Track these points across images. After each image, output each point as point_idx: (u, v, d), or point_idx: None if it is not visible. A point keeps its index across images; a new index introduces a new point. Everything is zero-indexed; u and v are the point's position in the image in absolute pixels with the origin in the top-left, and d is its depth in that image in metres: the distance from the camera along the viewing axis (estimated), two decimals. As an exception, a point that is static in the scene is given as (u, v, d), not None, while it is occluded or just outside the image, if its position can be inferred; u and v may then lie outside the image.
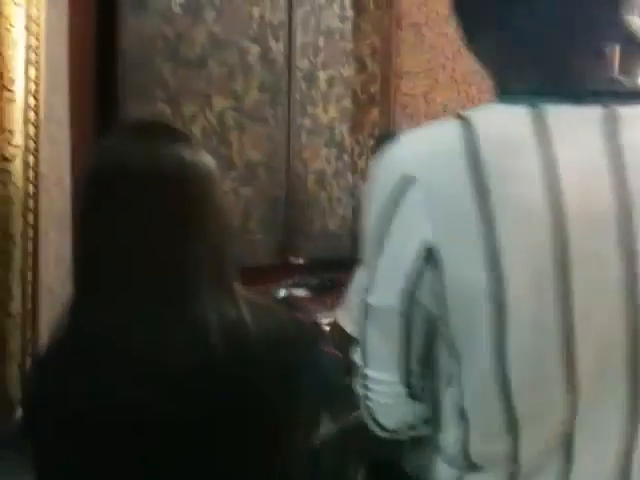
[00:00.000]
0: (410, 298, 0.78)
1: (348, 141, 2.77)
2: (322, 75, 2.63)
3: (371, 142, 2.84)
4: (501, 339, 0.73)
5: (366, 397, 0.88)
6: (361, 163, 2.84)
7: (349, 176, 2.80)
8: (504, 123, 0.76)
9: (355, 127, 2.82)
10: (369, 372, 0.87)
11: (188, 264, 0.87)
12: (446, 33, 3.11)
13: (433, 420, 0.86)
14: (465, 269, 0.73)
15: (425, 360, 0.85)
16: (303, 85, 2.55)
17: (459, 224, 0.73)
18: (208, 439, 0.86)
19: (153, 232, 0.86)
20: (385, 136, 2.56)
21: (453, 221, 0.74)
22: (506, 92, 0.81)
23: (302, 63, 2.53)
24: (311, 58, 2.57)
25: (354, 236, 2.85)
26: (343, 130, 2.75)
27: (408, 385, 0.86)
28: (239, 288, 0.92)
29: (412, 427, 0.89)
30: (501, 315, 0.72)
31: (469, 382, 0.77)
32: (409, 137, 0.81)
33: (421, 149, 0.78)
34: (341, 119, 2.73)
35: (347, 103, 2.77)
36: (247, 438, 0.88)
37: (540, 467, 0.77)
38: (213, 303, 0.88)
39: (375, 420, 0.89)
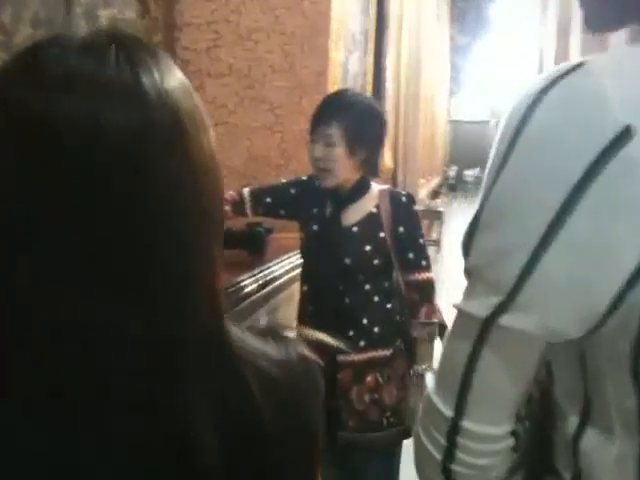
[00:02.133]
0: (605, 314, 0.53)
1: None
2: (103, 14, 2.13)
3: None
4: None
5: (451, 458, 0.60)
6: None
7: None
8: None
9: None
10: (468, 424, 0.59)
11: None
12: (231, -18, 2.79)
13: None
14: None
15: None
16: (83, 23, 2.04)
17: None
18: None
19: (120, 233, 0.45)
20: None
21: None
22: None
23: (81, -4, 2.01)
24: (92, -9, 2.06)
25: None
26: (128, 84, 2.28)
27: (514, 435, 0.61)
28: (233, 329, 0.54)
29: None
30: None
31: None
32: (596, 66, 0.54)
33: (634, 87, 0.52)
34: (125, 71, 2.26)
35: (131, 52, 2.30)
36: None
37: None
38: (206, 381, 0.49)
39: None
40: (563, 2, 8.53)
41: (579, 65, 0.54)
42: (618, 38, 0.62)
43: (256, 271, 2.14)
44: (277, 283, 2.28)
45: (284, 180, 2.12)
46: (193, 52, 2.78)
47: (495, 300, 0.56)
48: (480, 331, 0.57)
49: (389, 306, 1.91)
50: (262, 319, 2.27)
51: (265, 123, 2.91)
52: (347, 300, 1.88)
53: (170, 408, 0.47)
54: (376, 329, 1.89)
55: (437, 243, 10.34)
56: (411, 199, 1.95)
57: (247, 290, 2.01)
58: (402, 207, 1.91)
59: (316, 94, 2.72)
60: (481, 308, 0.57)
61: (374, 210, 1.91)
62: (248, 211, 2.08)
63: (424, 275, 1.91)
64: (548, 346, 0.58)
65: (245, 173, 2.91)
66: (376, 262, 1.87)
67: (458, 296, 0.61)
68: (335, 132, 1.85)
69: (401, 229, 1.88)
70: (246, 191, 2.08)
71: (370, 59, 4.26)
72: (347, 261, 1.87)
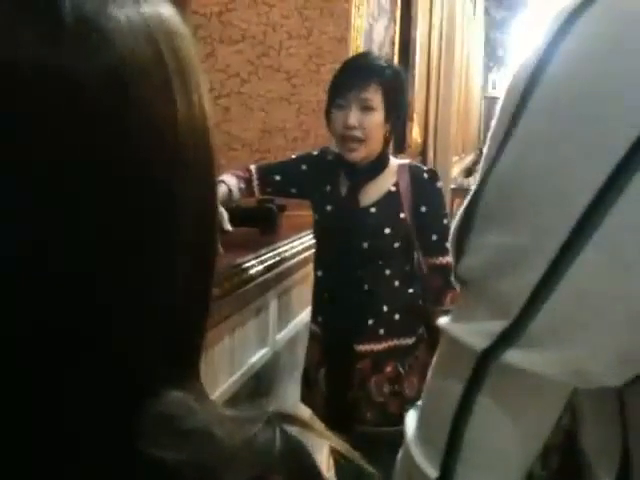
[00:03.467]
0: None
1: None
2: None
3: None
4: None
5: None
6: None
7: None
8: None
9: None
10: None
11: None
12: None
13: None
14: None
15: None
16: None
17: None
18: None
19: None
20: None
21: None
22: None
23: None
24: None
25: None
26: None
27: None
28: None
29: None
30: None
31: None
32: None
33: None
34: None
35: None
36: None
37: None
38: None
39: None
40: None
41: None
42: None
43: (263, 251, 1.99)
44: (288, 264, 2.12)
45: (294, 156, 1.96)
46: (203, 17, 2.61)
47: (497, 326, 0.38)
48: (475, 369, 0.40)
49: (411, 291, 1.77)
50: (272, 303, 2.12)
51: (281, 93, 2.74)
52: (366, 287, 1.74)
53: None
54: (397, 316, 1.74)
55: (470, 222, 10.11)
56: (434, 175, 1.78)
57: (252, 272, 1.86)
58: (424, 184, 1.74)
59: (336, 62, 2.53)
60: (476, 336, 0.40)
61: (393, 188, 1.74)
62: (256, 190, 1.92)
63: (449, 259, 1.73)
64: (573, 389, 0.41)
65: (259, 147, 2.74)
66: (396, 245, 1.72)
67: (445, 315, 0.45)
68: (374, 95, 1.68)
69: (423, 209, 1.72)
70: (253, 168, 1.92)
71: (397, 28, 4.04)
72: (365, 245, 1.72)
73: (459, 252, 0.42)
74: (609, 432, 0.43)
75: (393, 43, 4.01)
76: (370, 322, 1.74)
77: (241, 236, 2.16)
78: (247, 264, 1.85)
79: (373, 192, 1.76)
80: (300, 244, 2.17)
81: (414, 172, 1.75)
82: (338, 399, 1.81)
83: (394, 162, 1.79)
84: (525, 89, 0.38)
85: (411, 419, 0.47)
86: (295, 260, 2.15)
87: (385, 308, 1.74)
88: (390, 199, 1.74)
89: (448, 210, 1.84)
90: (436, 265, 1.74)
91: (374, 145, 1.72)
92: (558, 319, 0.37)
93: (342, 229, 1.78)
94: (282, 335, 2.24)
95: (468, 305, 0.42)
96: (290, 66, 2.73)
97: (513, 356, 0.38)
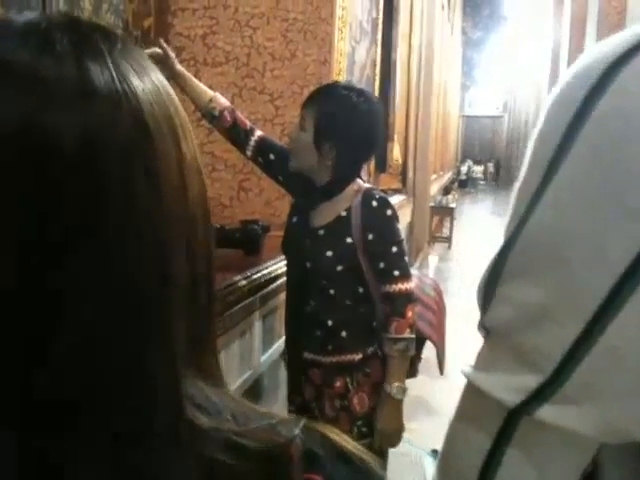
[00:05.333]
0: None
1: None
2: (87, -4, 1.99)
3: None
4: None
5: None
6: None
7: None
8: None
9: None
10: None
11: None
12: (228, -36, 2.63)
13: None
14: None
15: None
16: (62, 4, 1.89)
17: None
18: None
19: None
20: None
21: None
22: None
23: (61, -25, 1.86)
24: (73, -29, 1.91)
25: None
26: (114, 72, 2.13)
27: None
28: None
29: None
30: None
31: None
32: None
33: None
34: (111, 57, 2.11)
35: (118, 37, 2.14)
36: None
37: None
38: None
39: None
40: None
41: None
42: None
43: (249, 272, 1.99)
44: (272, 286, 2.13)
45: None
46: (187, 39, 2.63)
47: (531, 382, 0.38)
48: (505, 424, 0.40)
49: (362, 310, 1.78)
50: (256, 324, 2.12)
51: (264, 115, 2.75)
52: (312, 302, 1.78)
53: None
54: (344, 333, 1.77)
55: (448, 240, 10.21)
56: (384, 203, 1.76)
57: (237, 294, 1.86)
58: (372, 211, 1.73)
59: (319, 84, 2.56)
60: (508, 391, 0.39)
61: (344, 213, 1.75)
62: (249, 148, 1.93)
63: (396, 287, 1.73)
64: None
65: (242, 168, 2.76)
66: (339, 268, 1.73)
67: (468, 362, 0.44)
68: (309, 116, 1.73)
69: (370, 236, 1.72)
70: (258, 133, 1.94)
71: (379, 50, 4.09)
72: (308, 264, 1.75)
73: (486, 302, 0.42)
74: (630, 473, 0.44)
75: (375, 65, 4.06)
76: (318, 333, 1.77)
77: (225, 258, 2.16)
78: (232, 287, 1.85)
79: (326, 215, 1.78)
80: (284, 265, 2.17)
81: (365, 198, 1.74)
82: (291, 403, 1.89)
83: (354, 187, 1.78)
84: (562, 143, 0.37)
85: (429, 466, 0.47)
86: (279, 282, 2.16)
87: (330, 322, 1.76)
88: (339, 223, 1.75)
89: (404, 236, 1.82)
90: (383, 293, 1.75)
91: (305, 161, 1.75)
92: (594, 378, 0.37)
93: (291, 245, 1.83)
94: (266, 357, 2.24)
95: (494, 356, 0.42)
96: (274, 88, 2.75)
97: (547, 412, 0.38)
